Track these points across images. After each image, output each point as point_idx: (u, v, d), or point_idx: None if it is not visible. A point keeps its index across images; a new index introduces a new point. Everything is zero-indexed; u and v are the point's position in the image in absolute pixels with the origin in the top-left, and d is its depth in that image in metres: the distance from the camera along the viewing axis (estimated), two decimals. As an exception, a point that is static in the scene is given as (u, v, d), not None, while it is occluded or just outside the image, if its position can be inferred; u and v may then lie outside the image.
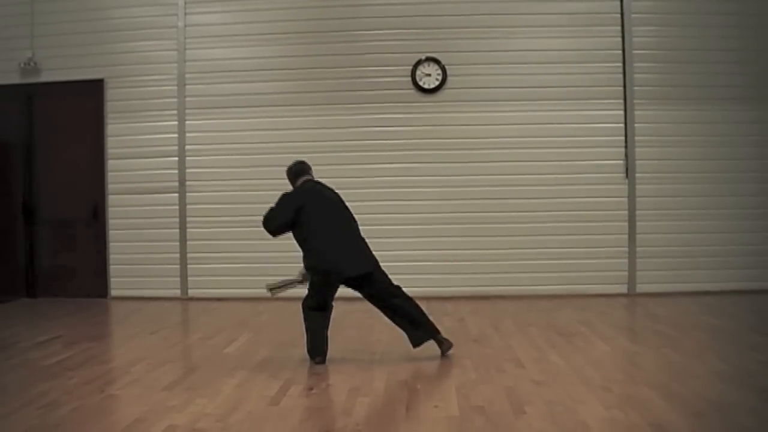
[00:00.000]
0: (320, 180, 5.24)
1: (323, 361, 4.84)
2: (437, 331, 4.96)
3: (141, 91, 8.08)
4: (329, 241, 4.83)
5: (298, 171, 5.14)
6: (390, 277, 5.00)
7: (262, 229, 7.78)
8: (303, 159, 5.32)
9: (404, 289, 5.01)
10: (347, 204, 5.10)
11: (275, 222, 4.91)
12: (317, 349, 4.86)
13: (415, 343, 4.93)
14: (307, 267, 4.93)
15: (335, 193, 5.12)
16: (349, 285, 4.90)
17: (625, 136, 7.74)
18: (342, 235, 4.89)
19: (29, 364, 4.97)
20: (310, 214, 4.85)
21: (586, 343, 5.39)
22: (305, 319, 4.96)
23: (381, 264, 5.00)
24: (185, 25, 8.03)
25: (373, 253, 4.98)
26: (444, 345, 4.95)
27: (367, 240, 5.03)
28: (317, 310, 4.90)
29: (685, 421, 3.46)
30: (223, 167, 8.00)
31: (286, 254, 7.55)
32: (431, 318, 5.04)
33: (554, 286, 7.74)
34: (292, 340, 5.53)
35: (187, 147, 8.04)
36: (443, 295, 7.56)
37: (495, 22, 7.84)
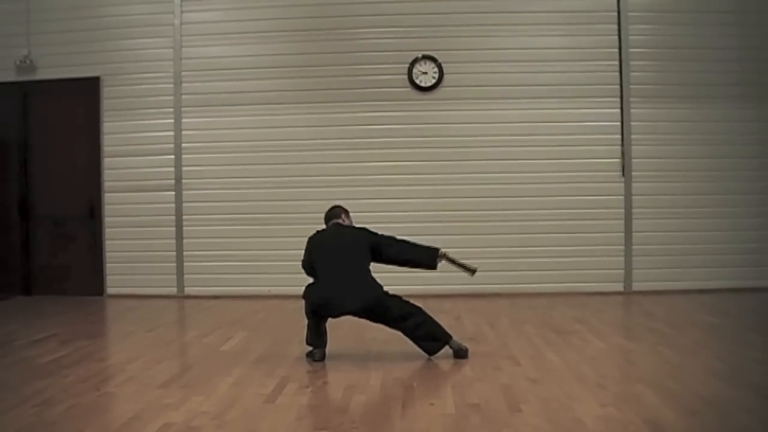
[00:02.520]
0: (343, 222, 5.25)
1: (323, 357, 4.86)
2: (450, 337, 4.93)
3: (137, 89, 8.06)
4: (325, 279, 4.91)
5: (328, 216, 5.37)
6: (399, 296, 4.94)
7: (258, 227, 7.92)
8: (339, 204, 5.44)
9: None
10: (369, 234, 5.07)
11: (303, 265, 5.12)
12: (314, 340, 4.91)
13: (430, 353, 4.91)
14: (303, 296, 4.97)
15: (352, 231, 5.13)
16: (358, 317, 4.91)
17: (622, 134, 7.74)
18: (338, 274, 4.87)
19: (25, 362, 4.96)
20: (313, 254, 5.05)
21: (581, 340, 5.40)
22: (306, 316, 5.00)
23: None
24: (181, 23, 8.02)
25: (375, 283, 4.90)
26: (460, 351, 4.88)
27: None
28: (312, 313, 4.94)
29: (680, 418, 3.47)
30: (219, 165, 7.99)
31: (281, 252, 7.65)
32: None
33: (550, 283, 7.75)
34: (288, 337, 5.54)
35: (184, 145, 8.02)
36: (439, 292, 7.55)
37: (491, 20, 7.84)
